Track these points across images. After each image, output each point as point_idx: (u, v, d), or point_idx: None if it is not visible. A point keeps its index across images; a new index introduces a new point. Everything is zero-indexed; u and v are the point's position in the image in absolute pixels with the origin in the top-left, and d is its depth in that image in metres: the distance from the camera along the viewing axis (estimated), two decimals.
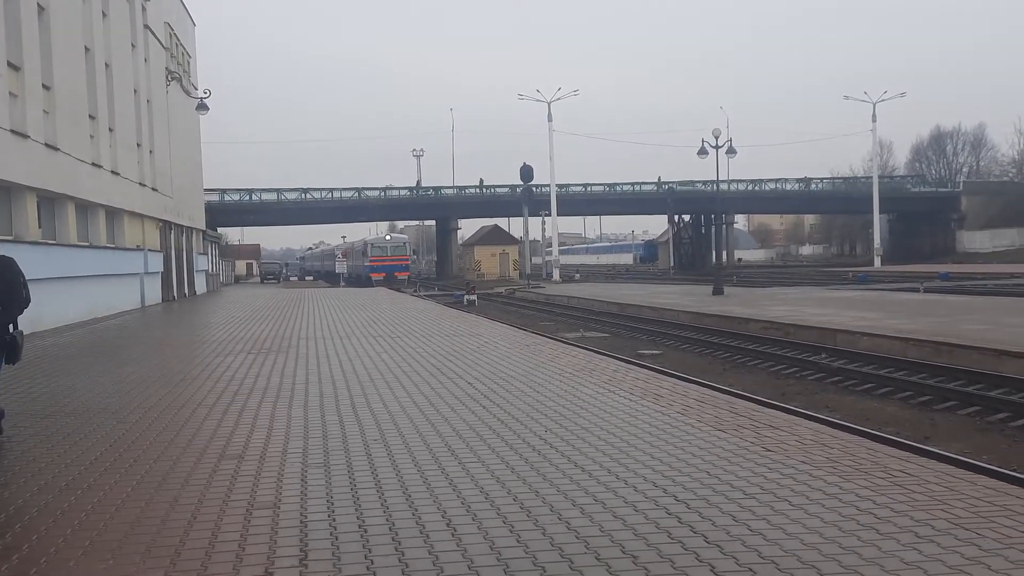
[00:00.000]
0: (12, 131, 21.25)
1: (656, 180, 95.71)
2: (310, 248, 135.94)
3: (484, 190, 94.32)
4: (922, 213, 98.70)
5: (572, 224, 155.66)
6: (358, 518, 5.82)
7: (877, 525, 5.45)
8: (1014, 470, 8.57)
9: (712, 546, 5.13)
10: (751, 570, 4.74)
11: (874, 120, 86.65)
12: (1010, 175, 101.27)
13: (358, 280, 79.96)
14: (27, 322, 21.60)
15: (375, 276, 72.57)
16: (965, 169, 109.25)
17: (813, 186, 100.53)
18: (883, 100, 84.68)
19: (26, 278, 8.27)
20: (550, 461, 7.28)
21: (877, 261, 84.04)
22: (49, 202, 25.19)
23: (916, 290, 40.43)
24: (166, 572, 4.91)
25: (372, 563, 4.97)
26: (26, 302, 8.29)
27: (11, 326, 8.13)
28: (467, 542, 5.30)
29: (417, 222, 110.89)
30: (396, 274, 73.37)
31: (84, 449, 8.22)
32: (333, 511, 5.99)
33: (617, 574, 4.72)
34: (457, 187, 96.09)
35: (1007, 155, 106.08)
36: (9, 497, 6.55)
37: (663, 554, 5.01)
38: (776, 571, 4.72)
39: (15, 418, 10.06)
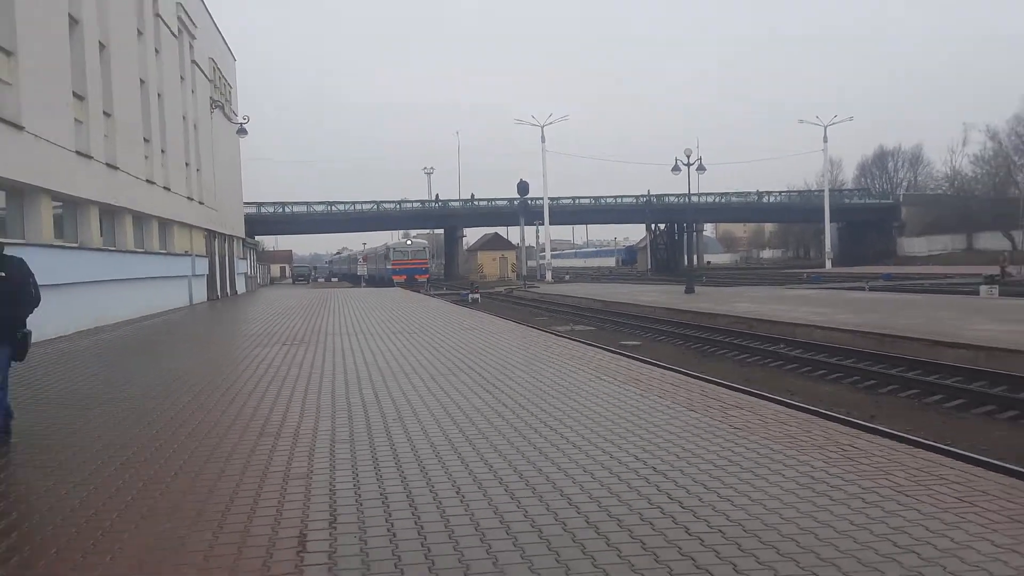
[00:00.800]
0: (78, 152, 21.23)
1: (635, 194, 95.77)
2: (336, 253, 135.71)
3: (487, 202, 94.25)
4: (867, 222, 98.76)
5: (563, 232, 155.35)
6: (379, 487, 5.82)
7: (830, 492, 5.46)
8: (948, 444, 8.57)
9: (686, 511, 5.14)
10: (721, 532, 4.75)
11: (825, 141, 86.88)
12: (943, 188, 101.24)
13: (380, 282, 74.93)
14: (91, 319, 21.75)
15: (397, 279, 67.90)
16: (904, 183, 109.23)
17: (772, 198, 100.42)
18: (833, 123, 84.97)
19: (36, 278, 7.81)
20: (546, 438, 7.28)
21: (828, 264, 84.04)
22: (110, 214, 25.16)
23: (863, 289, 40.46)
24: (214, 534, 4.92)
25: (392, 526, 4.98)
26: (36, 301, 7.75)
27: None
28: (474, 507, 5.31)
29: (428, 230, 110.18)
30: (416, 277, 68.72)
31: (141, 428, 8.22)
32: (358, 481, 6.00)
33: (602, 535, 4.72)
34: (463, 200, 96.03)
35: (941, 171, 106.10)
36: (79, 471, 6.56)
37: (644, 518, 5.02)
38: (743, 532, 4.73)
39: (84, 401, 10.09)
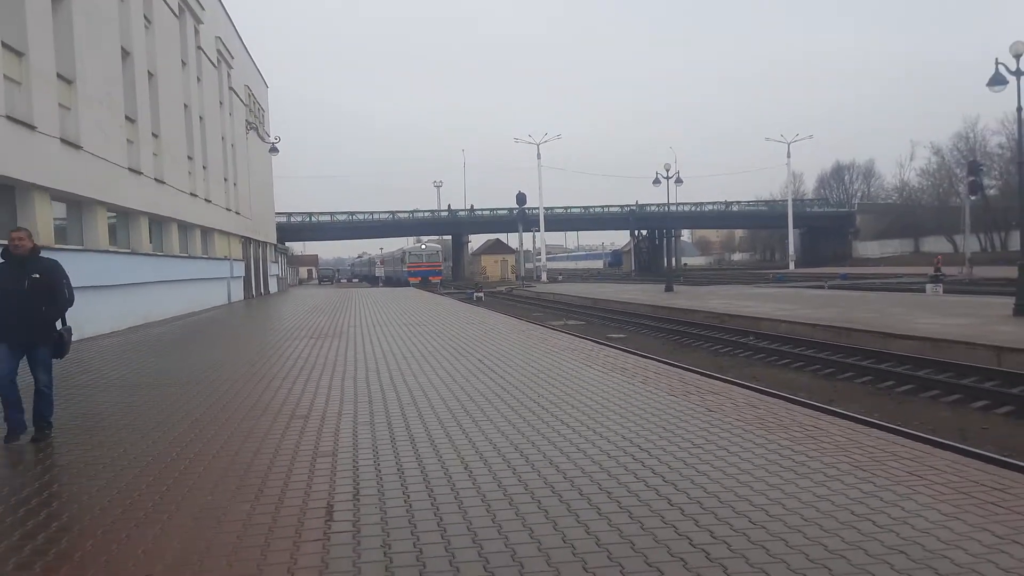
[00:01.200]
0: (130, 169, 21.22)
1: (620, 204, 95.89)
2: (358, 257, 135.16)
3: (489, 212, 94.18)
4: (826, 228, 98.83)
5: (556, 237, 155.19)
6: (397, 463, 5.82)
7: (795, 467, 5.46)
8: (899, 425, 8.56)
9: (668, 484, 5.14)
10: (699, 503, 4.74)
11: (788, 156, 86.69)
12: (893, 198, 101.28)
13: (397, 283, 72.37)
14: (141, 315, 21.73)
15: (412, 280, 65.02)
16: (859, 194, 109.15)
17: (742, 207, 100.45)
18: (796, 140, 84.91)
19: (70, 280, 7.52)
20: (542, 419, 7.28)
21: (791, 265, 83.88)
22: (158, 223, 25.14)
23: (822, 287, 40.43)
24: (251, 505, 4.92)
25: (409, 497, 4.98)
26: (70, 302, 7.35)
27: (59, 323, 7.40)
28: (480, 481, 5.30)
29: (437, 237, 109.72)
30: (431, 278, 65.67)
31: (188, 411, 8.22)
32: (378, 458, 6.00)
33: (593, 506, 4.72)
34: (468, 210, 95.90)
35: (891, 183, 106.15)
36: (135, 447, 6.56)
37: (631, 490, 5.01)
38: (718, 502, 4.73)
39: (137, 386, 10.08)
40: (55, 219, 17.02)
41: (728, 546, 4.03)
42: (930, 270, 43.58)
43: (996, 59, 19.61)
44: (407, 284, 64.23)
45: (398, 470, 5.63)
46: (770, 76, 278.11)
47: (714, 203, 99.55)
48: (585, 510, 4.64)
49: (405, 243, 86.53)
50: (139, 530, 4.49)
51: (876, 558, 3.83)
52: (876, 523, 4.31)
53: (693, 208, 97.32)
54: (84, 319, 17.72)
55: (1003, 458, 6.61)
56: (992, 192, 72.91)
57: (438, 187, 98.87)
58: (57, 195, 16.99)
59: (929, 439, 7.03)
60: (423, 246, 71.01)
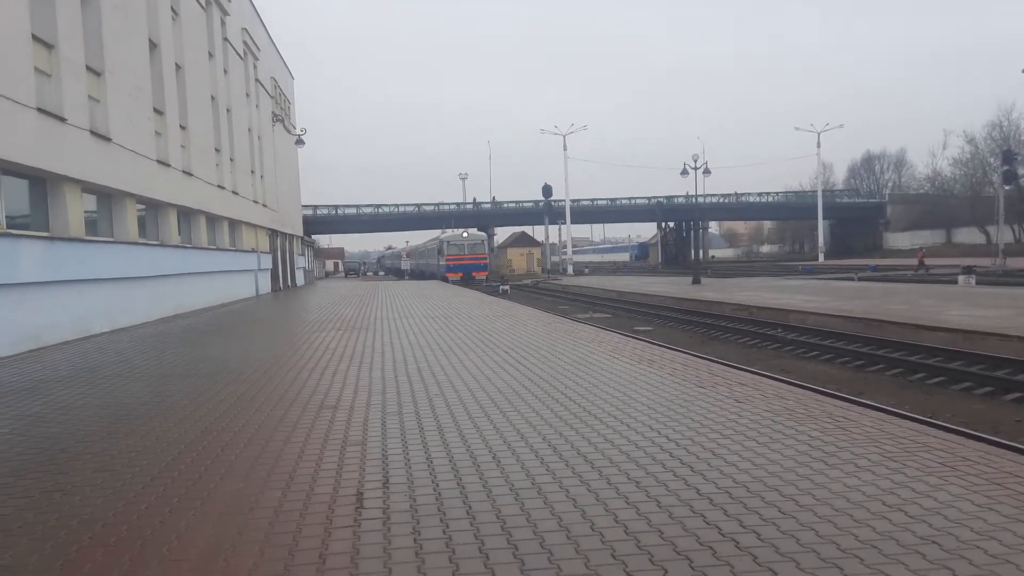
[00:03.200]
0: (158, 161, 21.47)
1: (647, 195, 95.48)
2: (388, 248, 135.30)
3: (514, 204, 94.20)
4: (856, 219, 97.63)
5: (582, 230, 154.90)
6: (425, 453, 5.87)
7: (825, 458, 5.43)
8: (930, 417, 8.48)
9: (696, 474, 5.14)
10: (728, 493, 4.74)
11: (818, 146, 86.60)
12: (925, 188, 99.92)
13: (433, 278, 60.09)
14: (171, 307, 22.03)
15: (452, 276, 53.55)
16: (890, 184, 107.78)
17: (771, 198, 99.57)
18: (826, 130, 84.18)
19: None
20: (569, 409, 7.30)
21: (821, 257, 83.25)
22: (186, 215, 25.42)
23: (851, 279, 40.01)
24: (282, 492, 4.99)
25: (438, 485, 5.02)
26: None
27: None
28: (508, 470, 5.34)
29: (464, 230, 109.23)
30: (474, 274, 54.37)
31: (218, 401, 8.34)
32: (407, 447, 6.05)
33: (621, 495, 4.73)
34: (494, 202, 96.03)
35: (923, 172, 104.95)
36: (167, 436, 6.67)
37: (659, 480, 5.02)
38: (746, 492, 4.73)
39: (168, 376, 10.23)
40: (85, 212, 17.28)
41: (757, 535, 4.03)
42: (964, 261, 43.15)
43: None
44: (444, 279, 54.20)
45: (427, 459, 5.68)
46: (799, 64, 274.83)
47: (743, 194, 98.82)
48: (613, 499, 4.65)
49: (437, 233, 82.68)
50: (172, 516, 4.58)
51: (908, 548, 3.81)
52: (908, 513, 4.28)
53: (721, 199, 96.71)
54: (115, 310, 18.03)
55: None
56: None
57: (463, 179, 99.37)
58: (88, 187, 17.23)
59: (961, 431, 6.95)
60: (465, 234, 58.17)
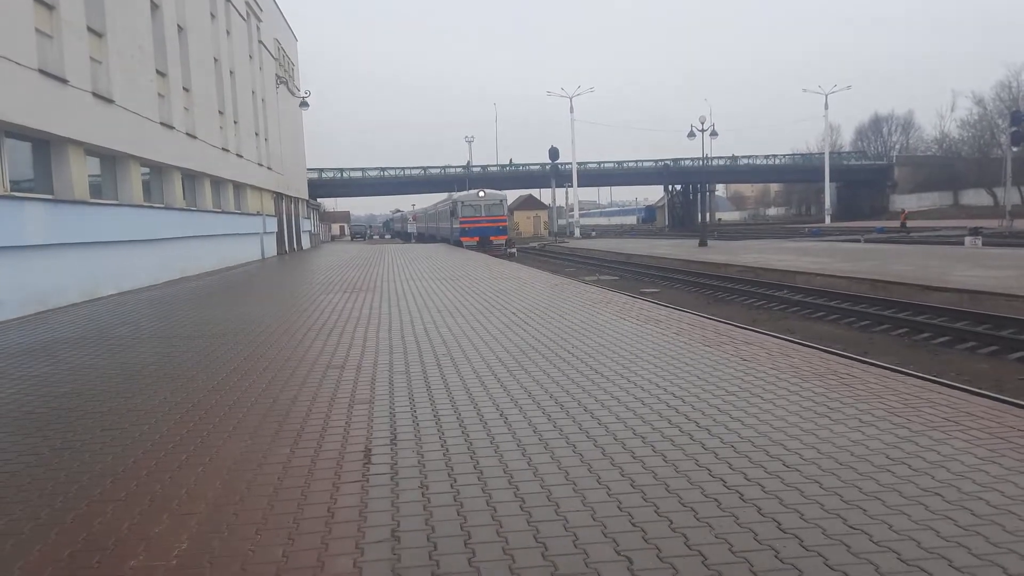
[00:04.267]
0: (162, 123, 21.37)
1: (654, 158, 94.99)
2: (396, 211, 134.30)
3: (521, 167, 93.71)
4: (863, 181, 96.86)
5: (589, 193, 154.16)
6: (433, 410, 5.90)
7: (830, 413, 5.45)
8: (936, 375, 8.48)
9: (702, 430, 5.16)
10: (733, 447, 4.77)
11: (826, 108, 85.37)
12: (933, 150, 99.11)
13: (444, 243, 54.27)
14: (177, 270, 22.09)
15: (467, 240, 46.65)
16: (897, 146, 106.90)
17: (777, 161, 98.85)
18: (833, 92, 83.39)
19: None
20: (576, 368, 7.32)
21: (827, 219, 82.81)
22: (191, 178, 25.36)
23: (858, 241, 39.90)
24: (291, 449, 5.03)
25: (445, 442, 5.06)
26: None
27: None
28: (516, 427, 5.37)
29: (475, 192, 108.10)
30: (492, 238, 46.81)
31: (225, 361, 8.38)
32: (414, 405, 6.09)
33: (628, 450, 4.76)
34: (500, 165, 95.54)
35: (931, 134, 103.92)
36: (176, 394, 6.72)
37: (665, 436, 5.05)
38: (752, 447, 4.75)
39: (175, 338, 10.28)
40: (89, 175, 17.24)
41: (762, 487, 4.05)
42: (971, 223, 42.96)
43: None
44: (458, 244, 47.93)
45: (434, 416, 5.71)
46: (808, 26, 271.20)
47: (750, 156, 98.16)
48: (620, 454, 4.68)
49: (444, 197, 77.89)
50: (181, 472, 4.63)
51: (911, 499, 3.83)
52: (911, 466, 4.30)
53: (728, 162, 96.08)
54: (121, 273, 18.08)
55: None
56: None
57: (470, 142, 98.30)
58: (91, 150, 17.18)
59: (965, 388, 6.95)
60: (481, 194, 50.32)
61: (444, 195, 71.06)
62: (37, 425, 5.88)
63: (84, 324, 12.26)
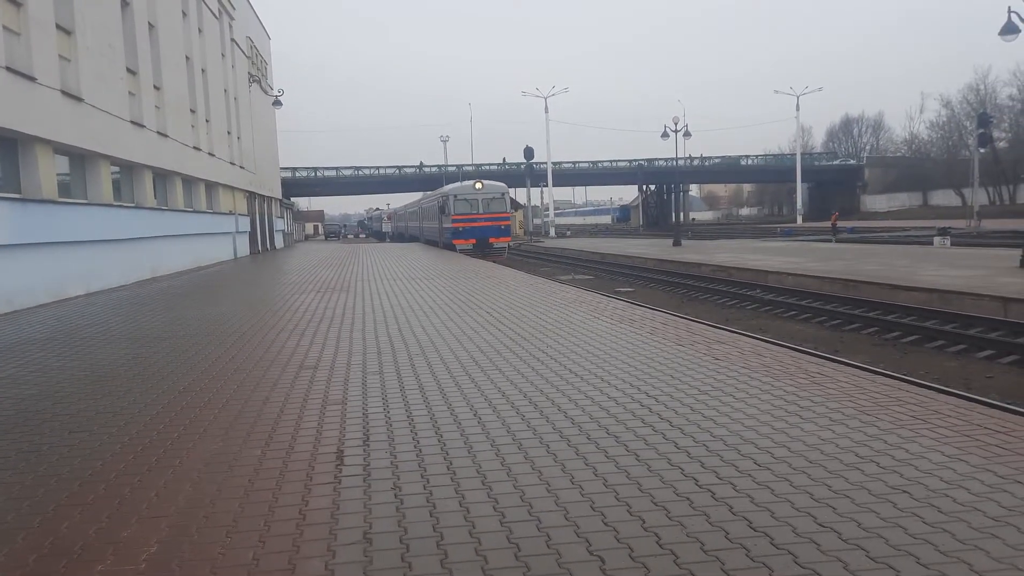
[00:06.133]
0: (132, 122, 21.11)
1: (628, 158, 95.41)
2: (376, 210, 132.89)
3: (497, 166, 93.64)
4: (834, 181, 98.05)
5: (564, 192, 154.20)
6: (406, 411, 5.88)
7: (800, 412, 5.50)
8: (905, 374, 8.59)
9: (675, 428, 5.18)
10: (706, 446, 4.79)
11: (797, 109, 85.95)
12: (902, 151, 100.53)
13: (434, 243, 45.01)
14: (147, 270, 21.83)
15: (460, 243, 36.96)
16: (868, 147, 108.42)
17: (750, 161, 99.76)
18: (805, 93, 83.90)
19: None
20: (550, 368, 7.32)
21: (799, 219, 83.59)
22: (162, 177, 25.07)
23: (829, 241, 40.29)
24: (262, 451, 4.99)
25: (419, 443, 5.04)
26: None
27: None
28: (489, 427, 5.36)
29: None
30: (492, 240, 37.40)
31: (195, 363, 8.30)
32: (387, 406, 6.06)
33: (601, 449, 4.77)
34: (475, 165, 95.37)
35: (900, 136, 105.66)
36: (144, 397, 6.64)
37: (638, 435, 5.06)
38: (724, 446, 4.78)
39: (146, 339, 10.15)
40: (58, 173, 16.99)
41: (733, 486, 4.08)
42: (939, 223, 43.61)
43: (1008, 7, 19.29)
44: (448, 247, 38.70)
45: (408, 417, 5.69)
46: (780, 25, 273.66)
47: (722, 157, 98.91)
48: (593, 453, 4.69)
49: (417, 198, 69.37)
50: (151, 475, 4.57)
51: (879, 497, 3.87)
52: (880, 464, 4.35)
53: (701, 162, 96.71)
54: (90, 274, 17.84)
55: (1007, 405, 6.63)
56: (1002, 145, 72.41)
57: (444, 142, 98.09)
58: (60, 148, 16.93)
59: (933, 386, 7.05)
60: (478, 185, 39.05)
61: (419, 195, 69.48)
62: (3, 428, 5.78)
63: (52, 325, 12.09)
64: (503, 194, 39.23)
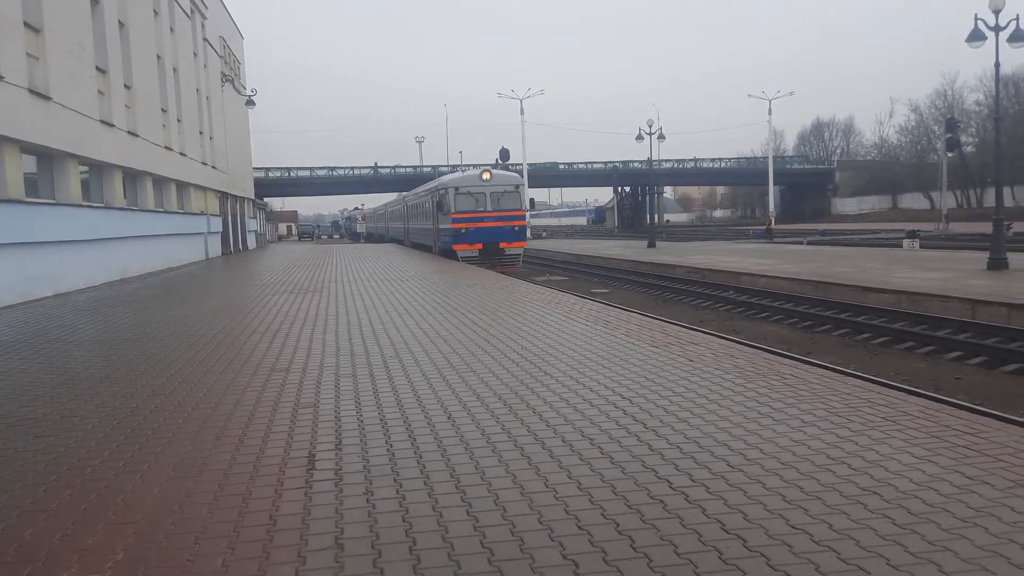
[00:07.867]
0: (102, 121, 20.82)
1: (604, 160, 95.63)
2: (355, 209, 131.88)
3: (472, 167, 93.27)
4: (805, 184, 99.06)
5: (540, 194, 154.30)
6: (379, 414, 5.83)
7: (772, 413, 5.53)
8: (874, 375, 8.67)
9: (649, 431, 5.19)
10: (679, 448, 4.80)
11: (770, 113, 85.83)
12: (872, 155, 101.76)
13: (426, 248, 36.07)
14: (117, 271, 21.54)
15: (463, 249, 28.64)
16: (838, 151, 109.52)
17: (723, 164, 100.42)
18: (776, 97, 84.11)
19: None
20: (525, 370, 7.31)
21: (771, 221, 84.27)
22: (132, 177, 24.75)
23: (801, 243, 40.66)
24: (232, 455, 4.92)
25: (392, 446, 5.00)
26: None
27: None
28: (463, 430, 5.33)
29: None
30: (503, 245, 28.87)
31: (165, 365, 8.19)
32: (360, 409, 6.01)
33: (576, 452, 4.76)
34: (451, 165, 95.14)
35: (870, 140, 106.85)
36: (113, 400, 6.54)
37: (612, 437, 5.06)
38: (698, 448, 4.79)
39: (115, 341, 10.00)
40: (25, 173, 16.71)
41: (707, 488, 4.08)
42: (908, 226, 44.16)
43: (975, 15, 19.56)
44: (448, 253, 30.24)
45: (381, 420, 5.65)
46: (750, 32, 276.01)
47: (696, 160, 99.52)
48: (567, 456, 4.68)
49: (393, 198, 63.04)
50: (118, 479, 4.49)
51: (851, 499, 3.90)
52: (851, 466, 4.38)
53: (676, 165, 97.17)
54: (58, 275, 17.57)
55: (975, 406, 6.71)
56: (969, 149, 73.34)
57: (420, 142, 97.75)
58: (27, 147, 16.66)
59: (903, 387, 7.12)
60: (485, 176, 29.96)
61: (395, 195, 67.73)
62: None
63: (18, 327, 11.88)
64: (517, 187, 30.22)
